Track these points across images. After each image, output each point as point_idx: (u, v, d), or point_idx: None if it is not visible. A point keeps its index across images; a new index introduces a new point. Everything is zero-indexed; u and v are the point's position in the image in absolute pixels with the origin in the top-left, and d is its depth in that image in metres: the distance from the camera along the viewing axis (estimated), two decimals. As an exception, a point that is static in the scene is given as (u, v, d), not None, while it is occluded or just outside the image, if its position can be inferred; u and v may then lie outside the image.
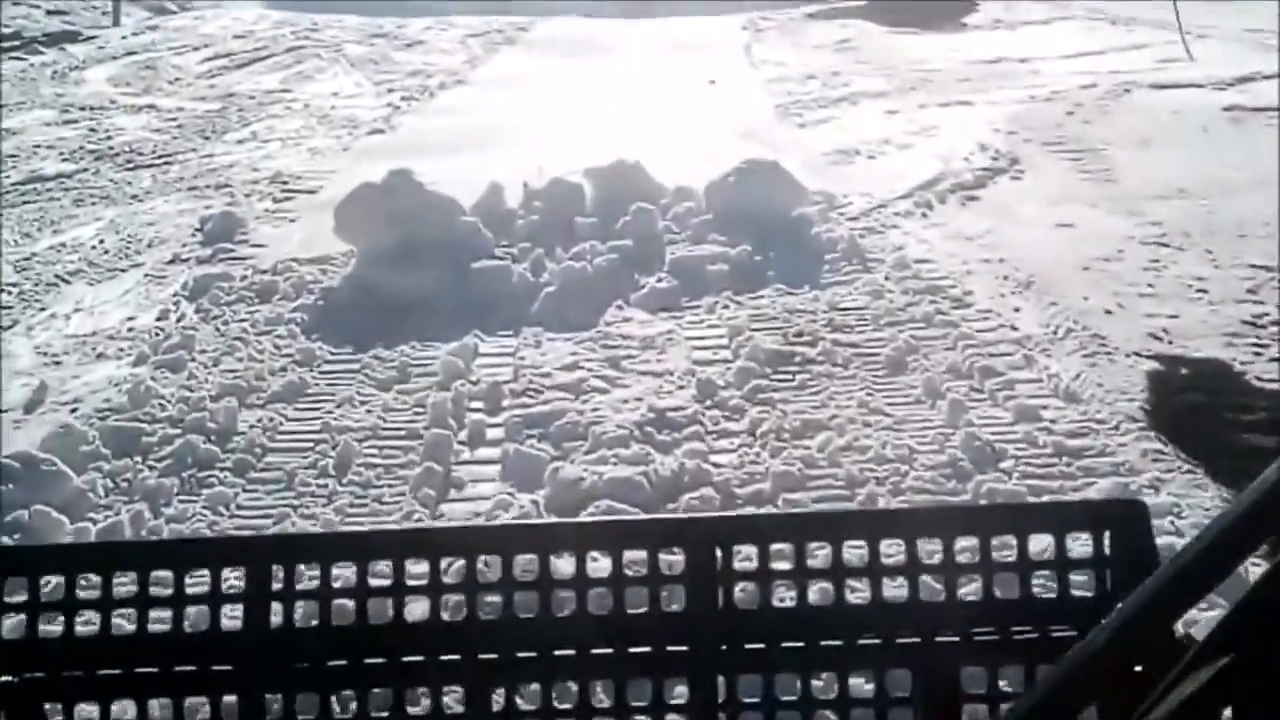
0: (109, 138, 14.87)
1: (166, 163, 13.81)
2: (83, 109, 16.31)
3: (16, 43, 22.03)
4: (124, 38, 20.73)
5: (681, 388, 7.00)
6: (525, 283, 8.69)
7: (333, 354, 8.00)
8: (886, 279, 8.38)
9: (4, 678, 1.74)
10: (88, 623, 1.94)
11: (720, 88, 15.49)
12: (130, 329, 8.84)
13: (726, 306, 8.20)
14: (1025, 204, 9.76)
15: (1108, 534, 1.92)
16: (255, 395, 7.37)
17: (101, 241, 11.06)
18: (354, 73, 17.89)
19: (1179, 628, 1.21)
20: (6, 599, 1.86)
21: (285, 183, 12.60)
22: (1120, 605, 1.14)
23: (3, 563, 1.89)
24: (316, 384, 7.53)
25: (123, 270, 10.33)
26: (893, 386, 6.88)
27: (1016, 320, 7.63)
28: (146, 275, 10.09)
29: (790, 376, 7.05)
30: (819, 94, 14.43)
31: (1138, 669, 1.22)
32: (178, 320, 8.89)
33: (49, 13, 28.55)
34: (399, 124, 15.10)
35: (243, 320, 8.72)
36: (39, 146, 14.52)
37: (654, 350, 7.55)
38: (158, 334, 8.61)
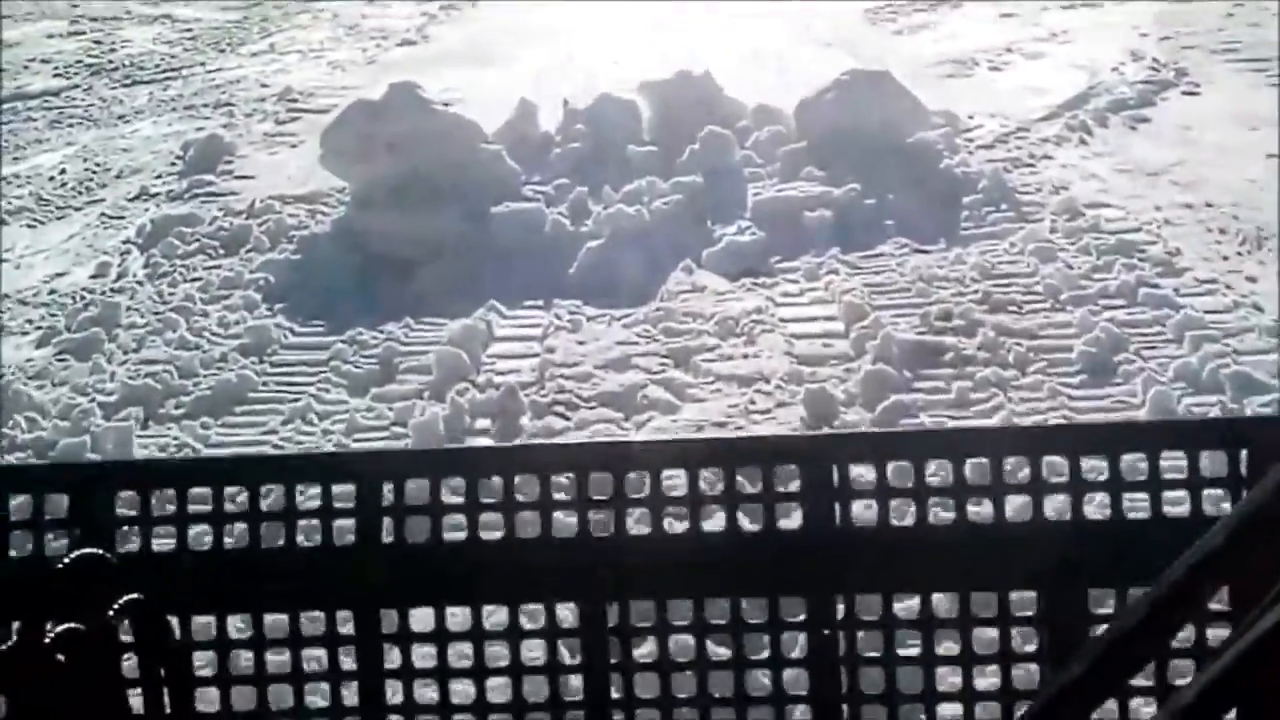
0: (112, 50, 12.22)
1: (168, 78, 11.17)
2: (94, 20, 13.62)
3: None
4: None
5: (783, 404, 4.36)
6: (562, 233, 6.03)
7: (296, 335, 5.41)
8: (1054, 231, 5.65)
9: (128, 594, 1.31)
10: (200, 537, 1.79)
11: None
12: (52, 291, 6.27)
13: (835, 271, 5.51)
14: (1214, 127, 6.91)
15: (1244, 454, 1.70)
16: (171, 404, 4.78)
17: (63, 172, 8.47)
18: (393, -20, 15.09)
19: None
20: (120, 513, 1.74)
21: (294, 101, 9.92)
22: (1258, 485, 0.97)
23: (118, 478, 1.78)
24: (263, 385, 4.94)
25: (75, 209, 7.75)
26: (1102, 404, 4.21)
27: (1260, 298, 4.89)
28: (101, 216, 7.52)
29: (943, 387, 4.40)
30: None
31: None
32: (115, 279, 6.31)
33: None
34: (435, 35, 12.35)
35: (193, 281, 6.11)
36: (33, 61, 11.89)
37: (737, 339, 4.92)
38: (82, 299, 6.03)
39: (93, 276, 6.40)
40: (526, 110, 7.09)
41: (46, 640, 1.16)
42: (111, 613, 1.21)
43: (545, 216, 6.15)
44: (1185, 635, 1.62)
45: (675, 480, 1.79)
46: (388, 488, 1.78)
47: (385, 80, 10.62)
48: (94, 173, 8.43)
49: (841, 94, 6.76)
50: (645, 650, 1.84)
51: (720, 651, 1.85)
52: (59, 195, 8.00)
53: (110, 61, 11.77)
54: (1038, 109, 7.43)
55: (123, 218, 7.40)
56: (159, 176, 8.17)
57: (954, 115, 7.22)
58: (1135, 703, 1.70)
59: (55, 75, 11.38)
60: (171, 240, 6.56)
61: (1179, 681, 1.50)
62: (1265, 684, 0.89)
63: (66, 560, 1.26)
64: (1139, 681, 1.65)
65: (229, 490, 1.81)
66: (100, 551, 1.34)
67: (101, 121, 9.87)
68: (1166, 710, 0.94)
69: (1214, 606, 1.61)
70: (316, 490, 1.81)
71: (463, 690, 1.83)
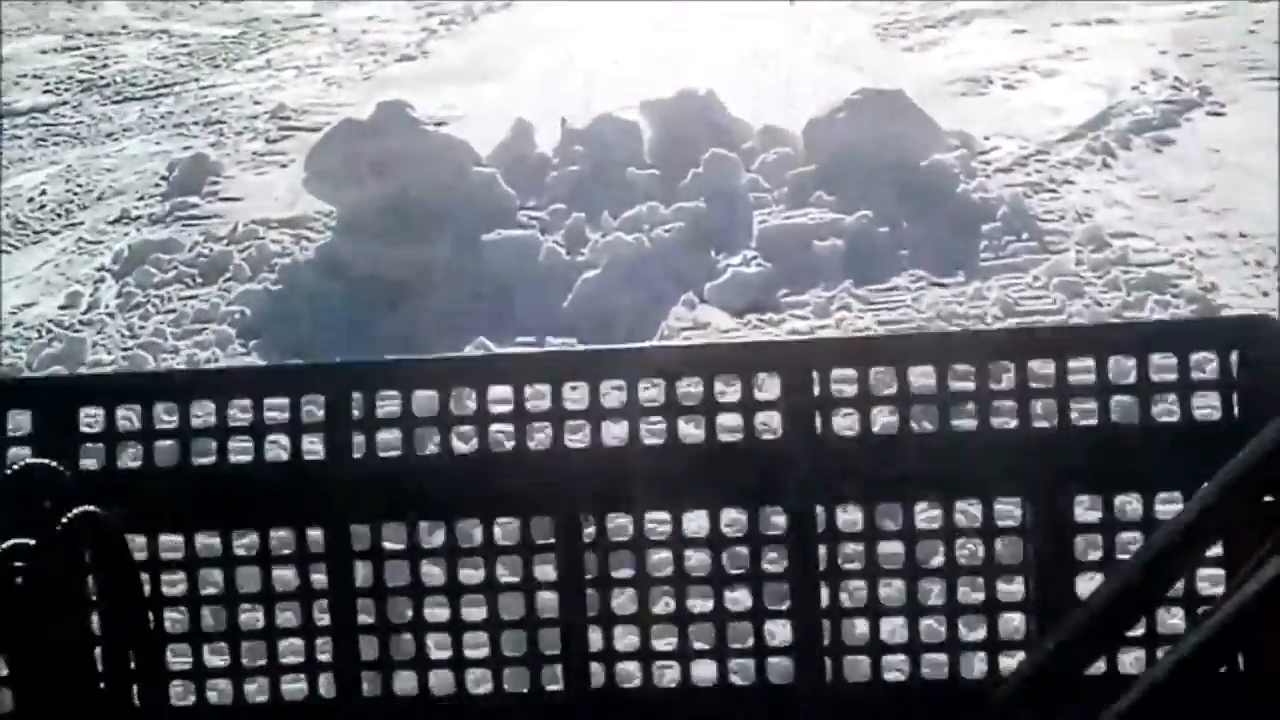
0: (105, 66, 11.82)
1: (160, 95, 10.76)
2: (90, 35, 13.22)
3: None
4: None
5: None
6: (557, 262, 5.60)
7: (270, 375, 4.97)
8: (1079, 263, 5.21)
9: (87, 507, 1.29)
10: (167, 454, 1.71)
11: (801, 7, 12.20)
12: (18, 324, 5.85)
13: (847, 307, 5.08)
14: (1243, 150, 6.46)
15: (1235, 354, 1.64)
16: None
17: (43, 193, 8.06)
18: (394, -5, 14.69)
19: None
20: (84, 429, 1.65)
21: (286, 119, 9.51)
22: (1254, 439, 0.96)
23: (78, 392, 1.70)
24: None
25: (53, 232, 7.33)
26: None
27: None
28: (79, 241, 7.09)
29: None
30: (919, 11, 11.12)
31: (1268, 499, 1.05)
32: (85, 310, 5.89)
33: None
34: (435, 50, 11.94)
35: (167, 313, 5.69)
36: (24, 77, 11.49)
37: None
38: (45, 334, 5.61)
39: (61, 308, 5.97)
40: (522, 130, 6.67)
41: None
42: (60, 526, 1.11)
43: (540, 245, 5.72)
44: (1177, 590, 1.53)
45: (653, 390, 1.70)
46: (357, 399, 1.69)
47: (378, 96, 10.24)
48: (75, 194, 8.01)
49: (852, 114, 6.34)
50: (622, 565, 1.77)
51: (698, 565, 1.75)
52: (37, 218, 7.59)
53: (102, 78, 11.37)
54: (1057, 130, 7.00)
55: (100, 243, 6.98)
56: (142, 198, 7.76)
57: (969, 136, 6.79)
58: (1126, 659, 1.60)
59: (45, 92, 10.98)
60: (148, 268, 6.14)
61: (1165, 648, 1.37)
62: (1252, 645, 0.89)
63: (11, 469, 1.19)
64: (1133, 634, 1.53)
65: (195, 405, 1.72)
66: (50, 463, 1.25)
67: (88, 139, 9.46)
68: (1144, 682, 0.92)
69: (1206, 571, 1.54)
70: (285, 403, 1.72)
71: (437, 609, 1.75)
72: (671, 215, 5.78)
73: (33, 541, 1.12)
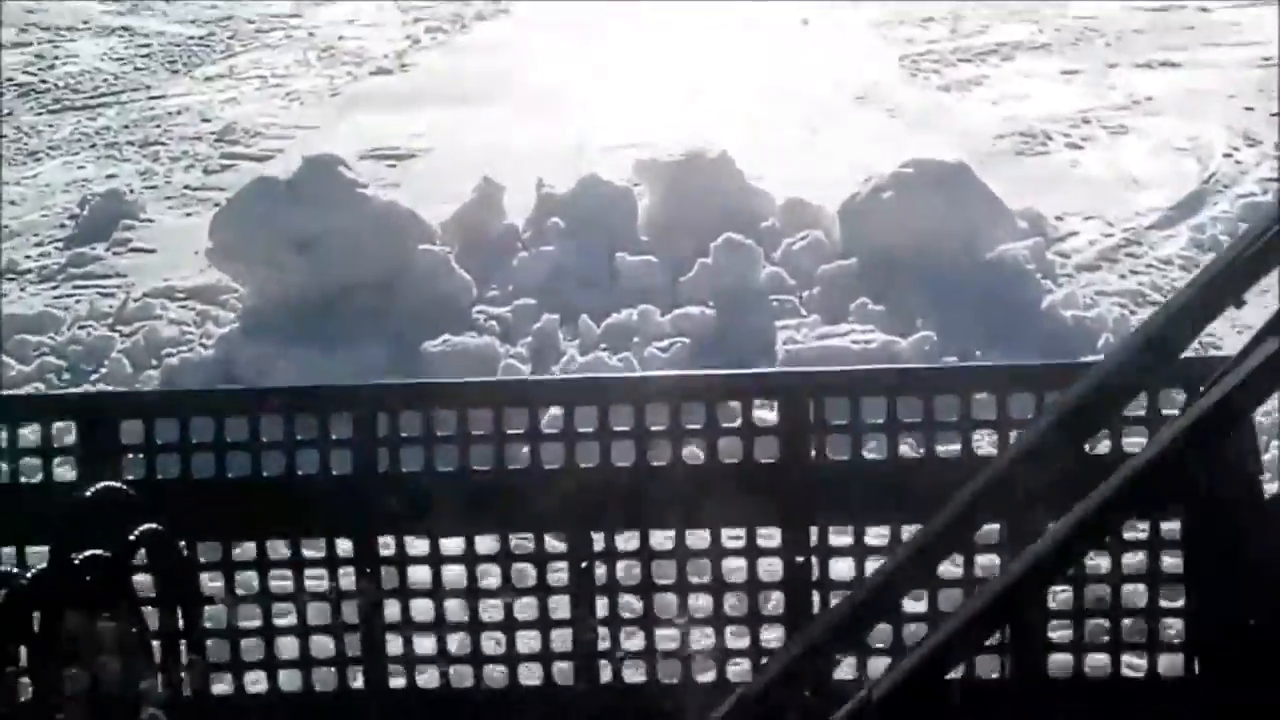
0: (52, 68, 10.18)
1: (103, 105, 9.13)
2: (46, 29, 11.60)
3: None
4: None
5: None
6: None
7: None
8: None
9: (144, 523, 1.35)
10: (204, 466, 1.76)
11: (820, 31, 10.59)
12: None
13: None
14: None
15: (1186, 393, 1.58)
16: None
17: (-73, 235, 6.48)
18: (381, -4, 13.06)
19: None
20: (125, 441, 1.70)
21: (234, 141, 7.91)
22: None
23: (124, 407, 1.73)
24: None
25: (-85, 290, 5.76)
26: None
27: None
28: (-58, 305, 5.53)
29: None
30: (949, 43, 9.52)
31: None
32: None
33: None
34: (414, 62, 10.33)
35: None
36: (-40, 77, 9.90)
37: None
38: None
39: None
40: (488, 196, 5.07)
41: (75, 564, 1.19)
42: (131, 539, 1.21)
43: (498, 357, 4.15)
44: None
45: (658, 414, 1.72)
46: (383, 418, 1.71)
47: (346, 117, 8.67)
48: (-37, 234, 6.43)
49: (901, 191, 4.76)
50: (628, 574, 1.81)
51: (700, 575, 1.78)
52: (-95, 271, 5.99)
53: (45, 81, 9.75)
54: (1145, 211, 5.41)
55: (-37, 310, 5.41)
56: (39, 244, 6.16)
57: (1040, 216, 5.22)
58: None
59: (-22, 95, 9.38)
60: (5, 359, 4.57)
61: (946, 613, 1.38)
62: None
63: (89, 492, 1.25)
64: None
65: (230, 421, 1.73)
66: (119, 484, 1.32)
67: (9, 159, 7.86)
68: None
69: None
70: (314, 421, 1.74)
71: (457, 610, 1.80)
72: (670, 326, 4.21)
73: (106, 553, 1.19)
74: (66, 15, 12.16)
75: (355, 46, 10.97)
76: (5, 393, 3.31)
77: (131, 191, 6.74)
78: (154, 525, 1.25)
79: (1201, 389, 0.98)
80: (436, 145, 7.61)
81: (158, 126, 8.35)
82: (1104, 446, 1.63)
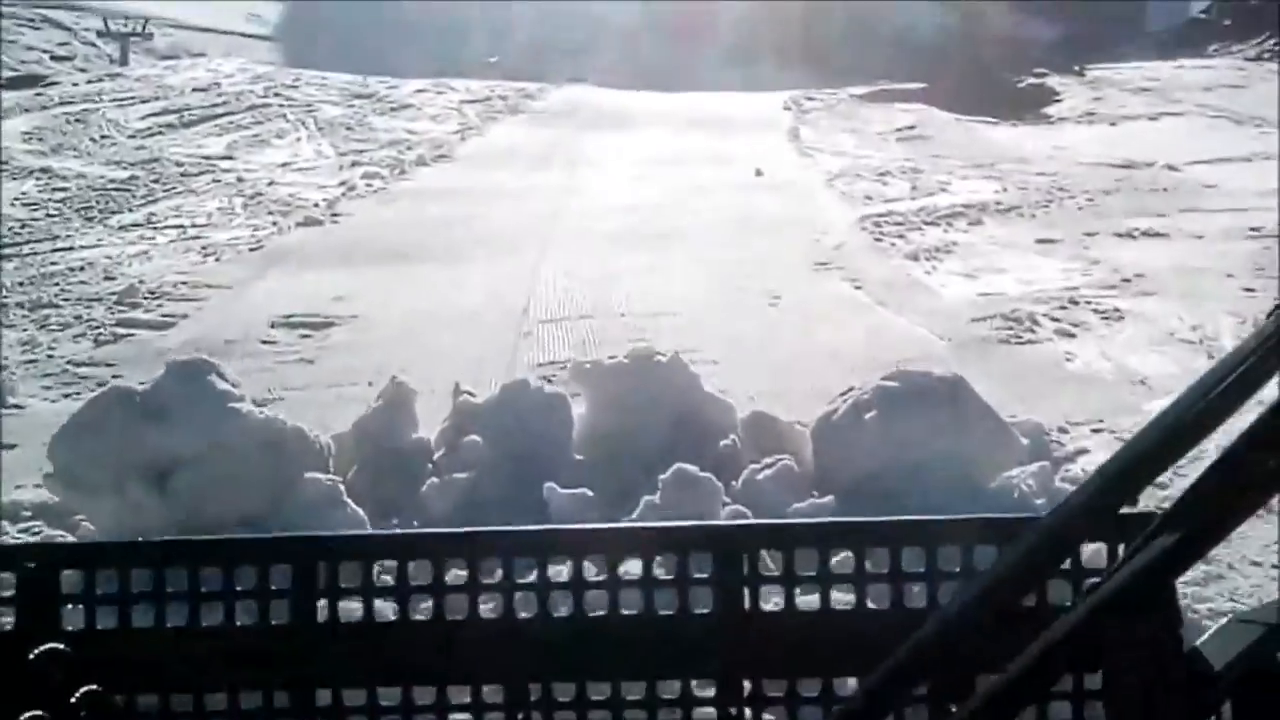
0: (-44, 214, 9.26)
1: (2, 259, 8.20)
2: (-39, 169, 10.69)
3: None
4: (75, 85, 15.11)
5: None
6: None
7: None
8: None
9: (93, 688, 1.29)
10: (142, 616, 1.69)
11: (774, 185, 9.85)
12: None
13: None
14: None
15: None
16: None
17: None
18: (319, 139, 12.24)
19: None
20: (66, 591, 1.65)
21: (133, 305, 6.95)
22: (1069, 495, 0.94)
23: (64, 558, 1.70)
24: None
25: None
26: None
27: None
28: None
29: None
30: (912, 202, 8.78)
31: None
32: None
33: (55, 58, 23.20)
34: (347, 212, 9.46)
35: None
36: None
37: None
38: None
39: None
40: (396, 401, 4.12)
41: None
42: (73, 701, 1.21)
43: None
44: None
45: (596, 565, 1.69)
46: (323, 566, 1.68)
47: (267, 277, 7.76)
48: None
49: (886, 410, 3.87)
50: None
51: None
52: None
53: (-57, 230, 8.81)
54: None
55: None
56: (-118, 435, 5.17)
57: (1042, 430, 4.33)
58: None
59: None
60: None
61: None
62: None
63: (33, 655, 1.24)
64: None
65: (169, 572, 1.69)
66: (62, 647, 1.28)
67: (-122, 322, 6.87)
68: None
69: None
70: (252, 571, 1.69)
71: None
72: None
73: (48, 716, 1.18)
74: (-12, 153, 11.27)
75: (286, 193, 10.09)
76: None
77: (5, 368, 5.75)
78: (95, 687, 1.19)
79: (1122, 553, 0.89)
80: (359, 311, 6.69)
81: (56, 284, 7.40)
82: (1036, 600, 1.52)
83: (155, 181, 10.43)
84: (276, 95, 13.87)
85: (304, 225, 8.94)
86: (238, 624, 1.70)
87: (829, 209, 8.73)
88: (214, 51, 21.47)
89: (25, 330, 6.55)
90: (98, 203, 9.68)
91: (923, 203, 8.61)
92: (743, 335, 5.75)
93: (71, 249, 8.34)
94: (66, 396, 5.61)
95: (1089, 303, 5.89)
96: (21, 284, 7.50)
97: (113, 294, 7.11)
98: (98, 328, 6.51)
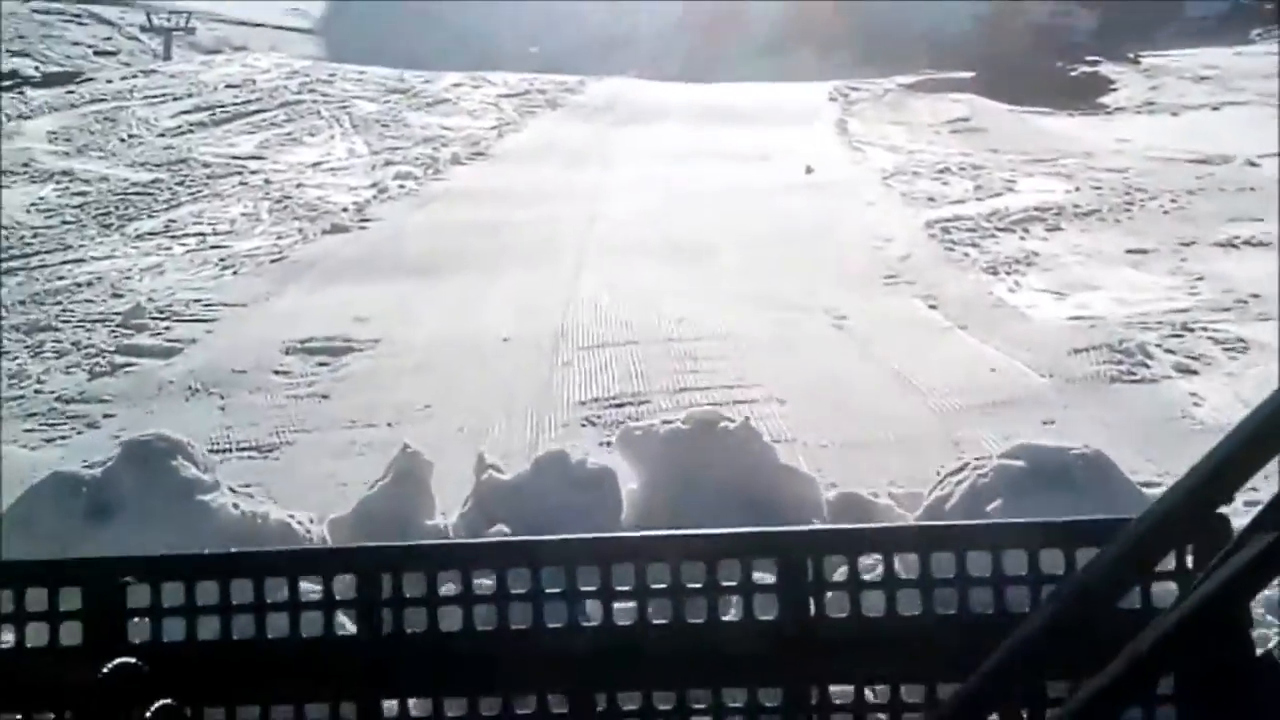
0: (-33, 221, 8.48)
1: (8, 273, 7.40)
2: (-18, 172, 9.91)
3: (8, 83, 15.81)
4: (110, 82, 14.35)
5: None
6: None
7: None
8: None
9: (166, 702, 1.29)
10: (208, 628, 1.60)
11: (826, 184, 8.94)
12: None
13: None
14: None
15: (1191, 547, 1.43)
16: None
17: None
18: (352, 137, 11.41)
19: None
20: (131, 605, 1.58)
21: (142, 327, 6.15)
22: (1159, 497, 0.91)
23: (128, 572, 1.61)
24: None
25: None
26: None
27: None
28: None
29: None
30: (979, 204, 7.85)
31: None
32: None
33: (99, 53, 22.53)
34: (376, 216, 8.62)
35: None
36: None
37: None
38: None
39: None
40: (406, 474, 3.25)
41: None
42: (148, 716, 1.20)
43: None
44: None
45: (659, 572, 1.61)
46: (386, 578, 1.62)
47: (288, 292, 6.92)
48: None
49: (1010, 497, 2.98)
50: None
51: None
52: None
53: (-49, 239, 8.03)
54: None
55: None
56: None
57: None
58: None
59: None
60: None
61: None
62: None
63: (106, 670, 1.24)
64: None
65: (235, 583, 1.63)
66: (134, 661, 1.29)
67: None
68: None
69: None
70: (318, 581, 1.63)
71: None
72: None
73: None
74: (8, 157, 10.49)
75: (314, 197, 9.25)
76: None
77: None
78: (169, 701, 1.18)
79: (1208, 568, 0.86)
80: (381, 334, 5.86)
81: (59, 303, 6.61)
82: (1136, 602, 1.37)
83: (180, 184, 9.62)
84: (311, 91, 13.05)
85: (330, 233, 8.12)
86: (303, 635, 1.60)
87: (889, 212, 7.82)
88: (256, 45, 20.73)
89: (17, 359, 5.74)
90: (117, 208, 8.88)
91: (991, 204, 7.68)
92: (807, 366, 4.88)
93: (83, 261, 7.55)
94: (50, 441, 4.82)
95: (1204, 330, 4.97)
96: (22, 302, 6.71)
97: (117, 314, 6.30)
98: (95, 356, 5.69)
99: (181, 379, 5.35)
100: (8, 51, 17.92)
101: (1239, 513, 0.97)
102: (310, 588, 1.63)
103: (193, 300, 6.60)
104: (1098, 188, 8.11)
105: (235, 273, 7.15)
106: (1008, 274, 6.10)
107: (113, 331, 6.07)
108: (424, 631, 1.60)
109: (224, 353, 5.73)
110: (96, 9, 24.51)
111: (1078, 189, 8.13)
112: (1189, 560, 1.42)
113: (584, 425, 4.70)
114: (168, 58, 20.72)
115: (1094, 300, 5.51)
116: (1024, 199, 7.81)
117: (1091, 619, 0.90)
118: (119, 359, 5.63)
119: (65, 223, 8.54)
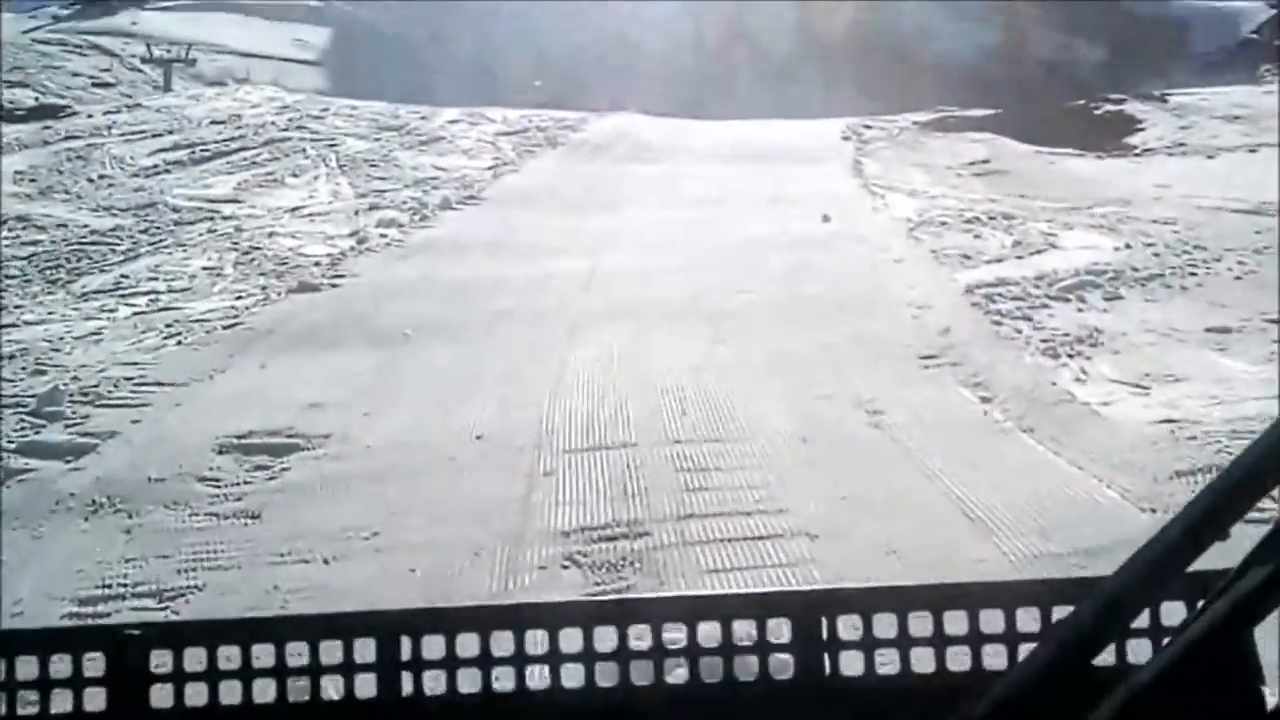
0: (-104, 276, 7.41)
1: (-74, 339, 6.35)
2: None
3: (-8, 117, 14.80)
4: (90, 117, 13.31)
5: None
6: None
7: None
8: None
9: None
10: (230, 693, 1.44)
11: (845, 235, 7.88)
12: None
13: None
14: None
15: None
16: None
17: None
18: (337, 178, 10.34)
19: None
20: (154, 670, 1.45)
21: (56, 415, 5.06)
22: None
23: (152, 639, 1.48)
24: None
25: None
26: None
27: None
28: None
29: None
30: (1019, 262, 6.77)
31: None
32: None
33: (97, 85, 21.57)
34: (351, 272, 7.55)
35: None
36: None
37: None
38: None
39: None
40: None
41: None
42: None
43: None
44: None
45: (676, 634, 1.47)
46: (405, 640, 1.48)
47: (233, 369, 5.87)
48: None
49: None
50: None
51: None
52: None
53: (-127, 298, 6.96)
54: None
55: None
56: None
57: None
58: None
59: None
60: None
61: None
62: None
63: None
64: None
65: (256, 648, 1.49)
66: None
67: None
68: None
69: None
70: (338, 644, 1.46)
71: None
72: None
73: None
74: (-32, 200, 9.45)
75: (286, 248, 8.19)
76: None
77: None
78: None
79: (1200, 604, 0.87)
80: (334, 428, 4.77)
81: (-27, 378, 5.58)
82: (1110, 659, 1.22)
83: (144, 232, 8.57)
84: (300, 128, 12.01)
85: (297, 291, 7.04)
86: (323, 699, 1.44)
87: (919, 271, 6.73)
88: (259, 76, 19.75)
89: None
90: (68, 260, 7.83)
91: (1036, 265, 6.61)
92: (840, 483, 3.80)
93: (14, 327, 6.49)
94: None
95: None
96: (-67, 377, 5.66)
97: (32, 398, 5.23)
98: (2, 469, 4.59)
99: (85, 491, 4.26)
100: (6, 83, 16.92)
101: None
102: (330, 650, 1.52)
103: (124, 378, 5.52)
104: (1150, 244, 7.03)
105: (180, 342, 6.08)
106: (1070, 357, 5.01)
107: (20, 421, 4.99)
108: (443, 694, 1.50)
109: (145, 451, 4.65)
110: (100, 40, 23.58)
111: (1128, 246, 7.04)
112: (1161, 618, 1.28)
113: (565, 566, 3.63)
114: (168, 89, 19.78)
115: (1183, 398, 4.42)
116: (1071, 258, 6.73)
117: (1070, 676, 0.88)
118: (16, 462, 4.54)
119: (8, 278, 7.47)
